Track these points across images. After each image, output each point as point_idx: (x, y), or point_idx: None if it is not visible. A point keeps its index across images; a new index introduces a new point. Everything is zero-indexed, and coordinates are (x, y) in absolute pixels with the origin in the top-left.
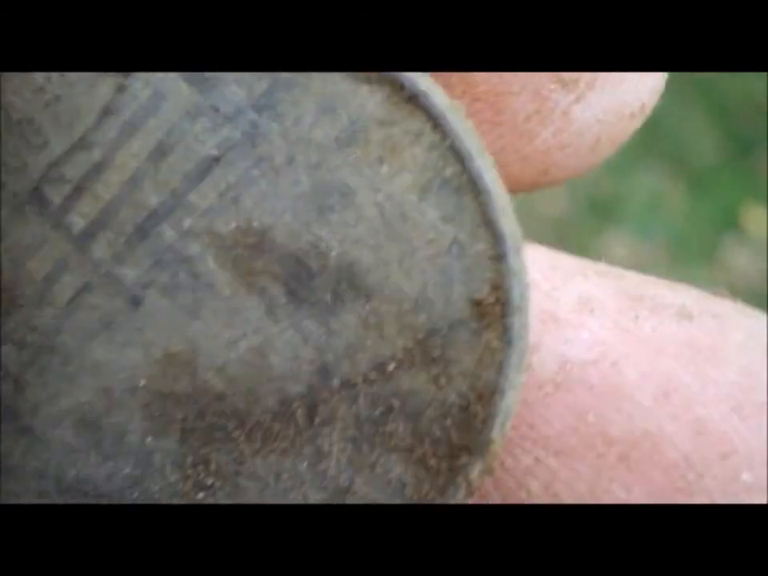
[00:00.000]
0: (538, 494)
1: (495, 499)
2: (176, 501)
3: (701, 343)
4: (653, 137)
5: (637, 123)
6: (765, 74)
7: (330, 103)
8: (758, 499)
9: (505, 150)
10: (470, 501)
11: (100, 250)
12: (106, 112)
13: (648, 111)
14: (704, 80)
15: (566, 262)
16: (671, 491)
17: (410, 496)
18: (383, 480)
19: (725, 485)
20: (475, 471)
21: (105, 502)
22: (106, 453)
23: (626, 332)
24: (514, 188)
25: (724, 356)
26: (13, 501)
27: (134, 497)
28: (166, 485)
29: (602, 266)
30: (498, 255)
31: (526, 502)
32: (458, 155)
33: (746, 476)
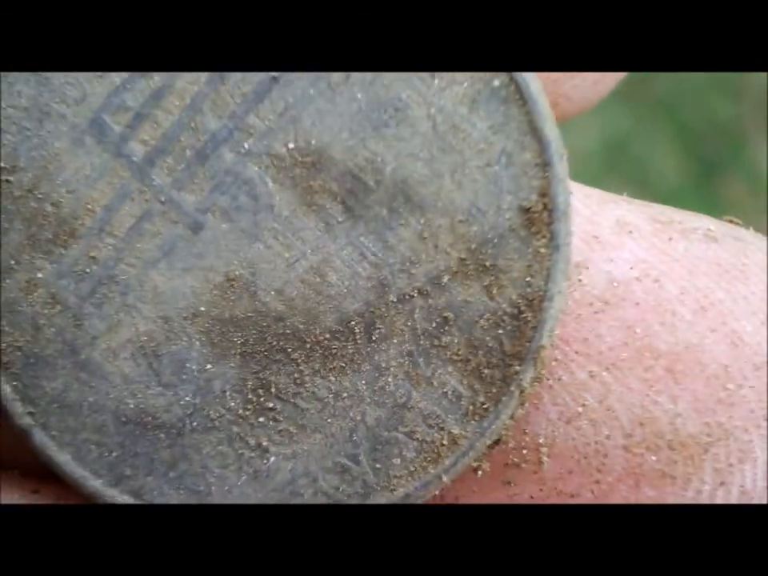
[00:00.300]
0: (593, 408)
1: (552, 414)
2: (235, 427)
3: (728, 263)
4: (617, 159)
5: None
6: (727, 96)
7: None
8: None
9: None
10: (522, 412)
11: (160, 176)
12: None
13: None
14: (668, 102)
15: (596, 191)
16: (713, 402)
17: (465, 408)
18: (439, 393)
19: (761, 395)
20: (527, 379)
21: (164, 431)
22: (166, 382)
23: (662, 252)
24: None
25: (750, 274)
26: (69, 438)
27: (194, 425)
28: (226, 411)
29: (625, 197)
30: (544, 162)
31: (581, 416)
32: None
33: None
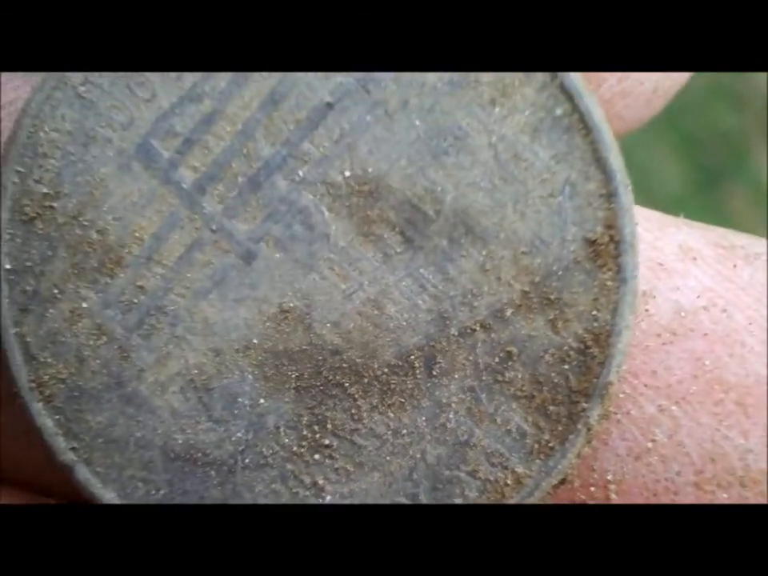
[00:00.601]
0: (663, 443)
1: (621, 450)
2: (290, 465)
3: None
4: None
5: (685, 77)
6: (730, 105)
7: None
8: None
9: None
10: (588, 450)
11: (211, 204)
12: None
13: None
14: (671, 111)
15: (655, 214)
16: None
17: (530, 446)
18: (503, 430)
19: None
20: (594, 416)
21: (215, 468)
22: (217, 417)
23: (727, 280)
24: None
25: None
26: (115, 475)
27: (246, 462)
28: (280, 448)
29: (683, 219)
30: (610, 193)
31: (651, 452)
32: (567, 94)
33: None
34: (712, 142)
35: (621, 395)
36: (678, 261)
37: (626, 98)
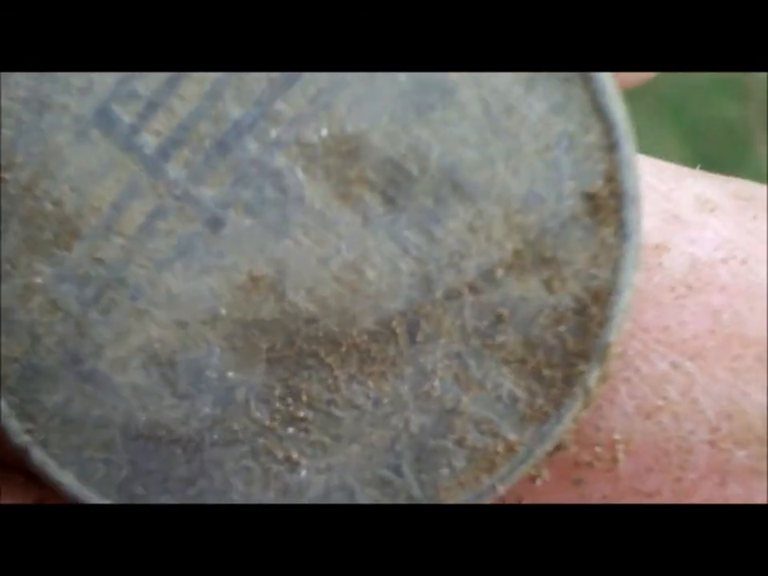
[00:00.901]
0: (675, 401)
1: (630, 408)
2: (261, 439)
3: None
4: None
5: None
6: (733, 96)
7: None
8: None
9: None
10: (586, 414)
11: (175, 169)
12: None
13: None
14: (674, 102)
15: (671, 165)
16: None
17: (522, 412)
18: (492, 396)
19: None
20: (593, 379)
21: (180, 446)
22: (182, 392)
23: (748, 232)
24: None
25: None
26: (73, 456)
27: (215, 438)
28: (250, 422)
29: (701, 171)
30: (611, 145)
31: (662, 410)
32: None
33: None
34: (714, 131)
35: (630, 352)
36: (694, 212)
37: None
